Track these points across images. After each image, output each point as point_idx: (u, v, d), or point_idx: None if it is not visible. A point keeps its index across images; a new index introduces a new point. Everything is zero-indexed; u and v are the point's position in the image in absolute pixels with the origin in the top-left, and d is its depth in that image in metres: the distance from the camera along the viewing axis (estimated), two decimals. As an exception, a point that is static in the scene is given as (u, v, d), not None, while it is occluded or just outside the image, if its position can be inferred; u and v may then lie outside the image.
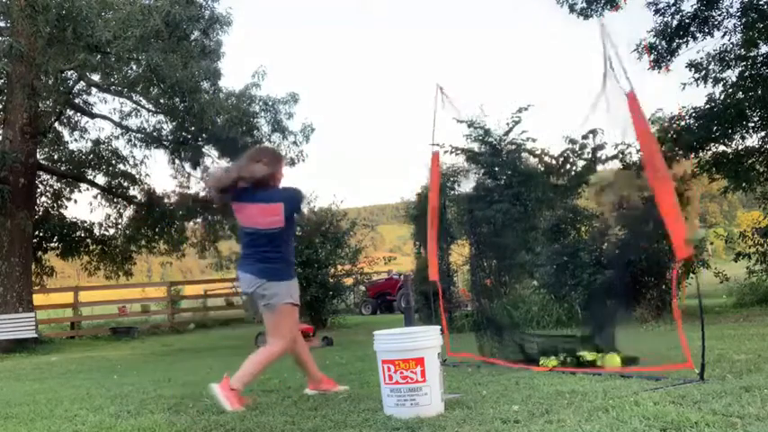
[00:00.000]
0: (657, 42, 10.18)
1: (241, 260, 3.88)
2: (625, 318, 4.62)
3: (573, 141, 9.81)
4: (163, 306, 17.22)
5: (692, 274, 6.24)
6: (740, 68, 9.83)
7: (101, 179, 15.99)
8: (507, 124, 9.76)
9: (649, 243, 7.78)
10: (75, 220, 15.92)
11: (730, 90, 9.84)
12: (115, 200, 16.21)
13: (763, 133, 10.09)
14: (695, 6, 9.90)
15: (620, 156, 10.02)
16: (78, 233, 15.86)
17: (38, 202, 14.79)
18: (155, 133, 15.40)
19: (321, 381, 3.96)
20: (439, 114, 5.31)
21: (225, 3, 40.26)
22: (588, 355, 4.15)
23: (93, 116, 15.49)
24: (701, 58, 10.13)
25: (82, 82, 14.45)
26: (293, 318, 3.82)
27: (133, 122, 15.54)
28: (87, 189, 15.95)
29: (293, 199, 3.85)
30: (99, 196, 16.02)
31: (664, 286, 8.42)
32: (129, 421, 3.33)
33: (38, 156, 14.08)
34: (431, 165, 5.57)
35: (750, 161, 10.25)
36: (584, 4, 10.44)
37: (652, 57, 10.04)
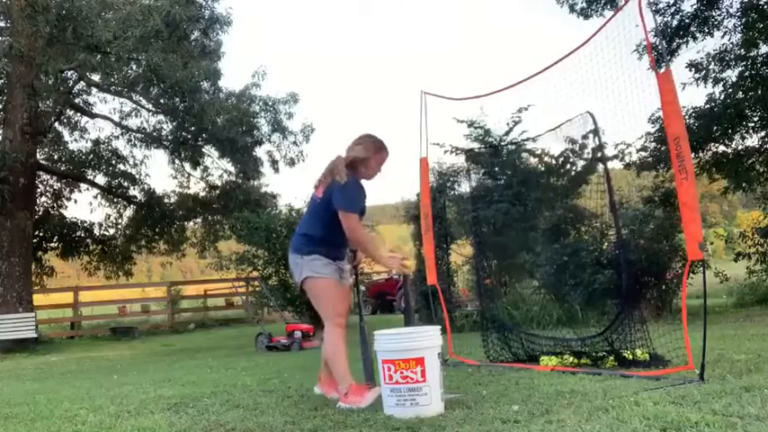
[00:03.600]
0: (657, 42, 10.18)
1: None
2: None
3: (573, 141, 9.80)
4: (163, 306, 17.21)
5: (692, 275, 6.24)
6: (740, 68, 9.83)
7: (101, 179, 16.03)
8: (507, 124, 9.76)
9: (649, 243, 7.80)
10: (75, 220, 15.93)
11: (730, 90, 9.83)
12: (115, 200, 16.21)
13: (763, 133, 10.09)
14: (695, 6, 9.90)
15: (620, 155, 10.03)
16: (78, 233, 15.87)
17: (38, 202, 14.80)
18: (155, 133, 15.41)
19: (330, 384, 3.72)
20: (431, 115, 5.30)
21: (225, 3, 40.27)
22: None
23: (93, 116, 15.50)
24: (701, 58, 10.13)
25: (82, 82, 14.46)
26: (328, 293, 3.55)
27: (133, 122, 15.58)
28: (87, 189, 15.97)
29: (340, 189, 3.52)
30: (99, 196, 16.04)
31: (664, 286, 8.42)
32: (129, 421, 3.33)
33: (38, 156, 14.09)
34: (420, 171, 5.54)
35: (750, 161, 10.25)
36: (584, 4, 10.44)
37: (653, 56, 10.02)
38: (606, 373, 3.83)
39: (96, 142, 15.84)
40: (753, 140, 10.26)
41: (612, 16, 4.22)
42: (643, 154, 10.16)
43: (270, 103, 14.12)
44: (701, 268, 3.91)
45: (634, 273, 7.09)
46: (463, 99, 5.52)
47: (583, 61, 4.34)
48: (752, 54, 9.77)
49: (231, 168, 15.38)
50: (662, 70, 3.63)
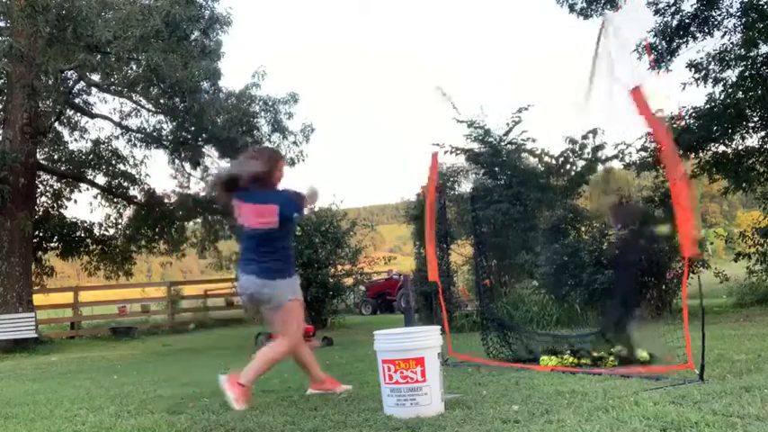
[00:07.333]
0: (657, 42, 10.19)
1: (240, 261, 3.89)
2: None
3: (573, 141, 9.81)
4: (163, 306, 17.21)
5: (692, 274, 6.24)
6: (740, 68, 9.82)
7: (101, 179, 15.99)
8: (507, 124, 9.77)
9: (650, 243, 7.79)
10: (75, 220, 15.91)
11: (730, 90, 9.83)
12: (115, 200, 16.19)
13: (763, 133, 10.08)
14: (695, 6, 9.91)
15: (620, 155, 10.04)
16: (78, 233, 15.85)
17: (38, 202, 14.78)
18: (155, 133, 15.39)
19: (324, 381, 3.96)
20: (439, 115, 5.33)
21: (225, 3, 40.29)
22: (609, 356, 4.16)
23: (93, 116, 15.48)
24: (701, 58, 10.13)
25: (82, 82, 14.44)
26: (299, 314, 3.84)
27: (133, 122, 15.54)
28: (87, 189, 15.94)
29: (291, 202, 3.83)
30: (99, 196, 16.02)
31: (664, 286, 8.42)
32: (129, 421, 3.33)
33: (38, 156, 14.07)
34: (430, 166, 5.57)
35: (750, 161, 10.24)
36: (584, 4, 10.44)
37: (653, 56, 10.03)
38: (606, 373, 3.84)
39: (96, 142, 15.81)
40: (753, 140, 10.25)
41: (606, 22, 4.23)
42: (643, 154, 10.17)
43: (270, 103, 14.09)
44: (700, 268, 3.93)
45: (634, 273, 7.09)
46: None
47: (582, 61, 4.35)
48: (752, 54, 9.76)
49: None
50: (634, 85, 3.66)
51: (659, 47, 10.21)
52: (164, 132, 15.42)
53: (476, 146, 9.93)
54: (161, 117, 15.12)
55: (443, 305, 5.44)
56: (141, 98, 14.63)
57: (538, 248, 8.84)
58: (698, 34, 9.99)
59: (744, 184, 10.47)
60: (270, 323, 3.86)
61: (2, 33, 12.98)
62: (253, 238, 3.76)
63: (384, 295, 18.32)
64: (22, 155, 12.07)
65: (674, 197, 3.56)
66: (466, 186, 9.99)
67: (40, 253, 15.03)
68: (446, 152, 9.86)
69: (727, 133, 9.95)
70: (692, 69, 10.10)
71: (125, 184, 16.09)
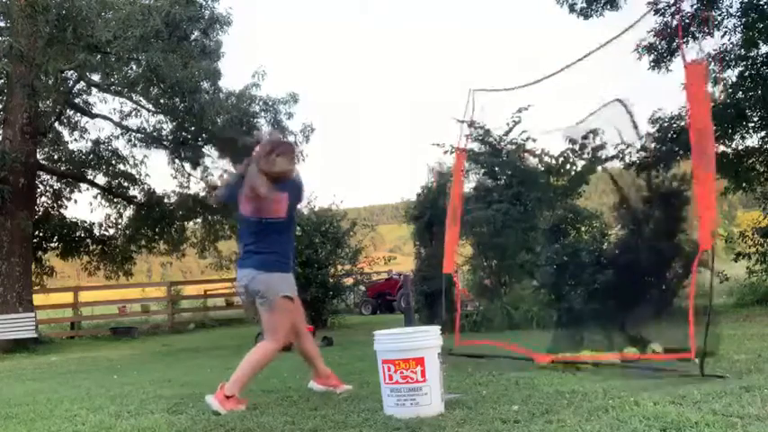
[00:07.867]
0: (657, 42, 10.20)
1: (242, 254, 3.82)
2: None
3: (573, 141, 9.79)
4: (163, 306, 17.21)
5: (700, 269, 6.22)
6: (740, 68, 9.83)
7: (101, 179, 15.99)
8: (507, 124, 9.76)
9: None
10: (75, 220, 15.91)
11: (730, 90, 9.84)
12: (115, 200, 16.19)
13: (763, 133, 10.09)
14: (695, 6, 9.91)
15: (620, 156, 10.03)
16: (78, 233, 15.85)
17: (38, 202, 14.77)
18: (155, 133, 15.39)
19: (329, 376, 3.95)
20: (431, 116, 5.37)
21: (225, 3, 40.22)
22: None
23: (93, 116, 15.47)
24: (701, 58, 10.13)
25: (82, 82, 14.44)
26: (291, 312, 3.75)
27: (133, 122, 15.54)
28: (87, 189, 15.94)
29: (299, 191, 3.85)
30: (99, 196, 16.02)
31: (664, 286, 8.41)
32: (129, 421, 3.33)
33: (38, 156, 14.07)
34: (455, 163, 5.70)
35: (750, 161, 10.24)
36: (584, 4, 10.45)
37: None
38: (606, 373, 3.84)
39: (96, 142, 15.80)
40: (753, 140, 10.27)
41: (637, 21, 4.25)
42: (643, 154, 10.16)
43: (270, 103, 14.09)
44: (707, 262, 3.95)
45: (634, 273, 7.09)
46: (512, 89, 5.54)
47: (583, 62, 4.37)
48: (752, 54, 9.77)
49: (231, 169, 15.35)
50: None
51: (659, 47, 10.22)
52: (164, 132, 15.42)
53: (476, 146, 9.92)
54: (161, 117, 15.12)
55: (458, 296, 5.43)
56: (141, 98, 14.62)
57: (538, 248, 8.83)
58: (698, 34, 9.99)
59: (744, 184, 10.48)
60: (262, 321, 3.78)
61: (2, 33, 12.99)
62: (259, 227, 3.69)
63: (384, 295, 18.32)
64: (22, 155, 12.07)
65: (696, 182, 3.52)
66: (466, 186, 9.99)
67: (40, 253, 15.03)
68: (445, 152, 9.86)
69: (727, 133, 9.96)
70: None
71: (125, 184, 16.10)
